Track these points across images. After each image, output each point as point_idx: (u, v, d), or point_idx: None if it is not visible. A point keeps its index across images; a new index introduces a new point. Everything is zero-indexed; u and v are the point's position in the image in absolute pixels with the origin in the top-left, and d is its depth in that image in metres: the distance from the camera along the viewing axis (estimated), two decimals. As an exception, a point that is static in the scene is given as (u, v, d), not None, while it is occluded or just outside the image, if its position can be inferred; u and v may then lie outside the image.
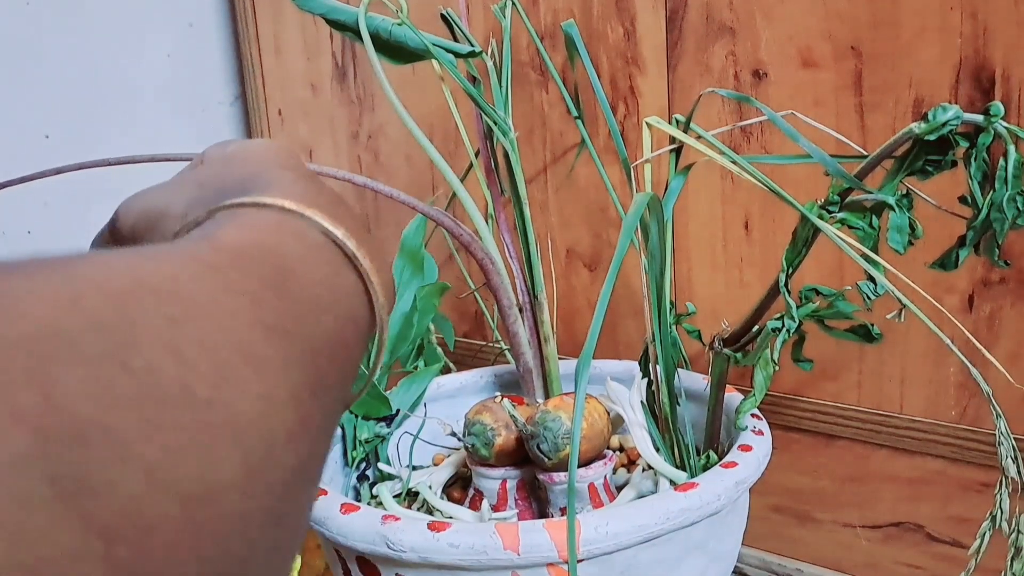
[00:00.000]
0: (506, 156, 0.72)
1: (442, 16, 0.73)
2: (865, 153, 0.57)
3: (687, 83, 0.83)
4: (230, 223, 0.26)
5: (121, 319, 0.18)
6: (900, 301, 0.53)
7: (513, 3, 0.76)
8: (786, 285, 0.58)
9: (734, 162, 0.58)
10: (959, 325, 0.58)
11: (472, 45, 0.71)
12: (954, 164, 0.51)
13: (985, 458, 0.74)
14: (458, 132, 0.79)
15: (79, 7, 1.14)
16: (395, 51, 0.68)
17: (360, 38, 0.65)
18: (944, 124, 0.48)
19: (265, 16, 1.18)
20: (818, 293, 0.59)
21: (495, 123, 0.71)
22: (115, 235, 0.33)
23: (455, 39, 0.72)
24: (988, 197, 0.49)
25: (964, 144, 0.50)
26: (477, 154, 0.77)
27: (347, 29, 0.67)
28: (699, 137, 0.63)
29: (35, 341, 0.16)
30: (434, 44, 0.68)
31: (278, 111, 1.20)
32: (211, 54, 1.25)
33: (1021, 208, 0.48)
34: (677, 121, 0.65)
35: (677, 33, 0.83)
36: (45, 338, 0.16)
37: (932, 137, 0.49)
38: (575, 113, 0.81)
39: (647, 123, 0.64)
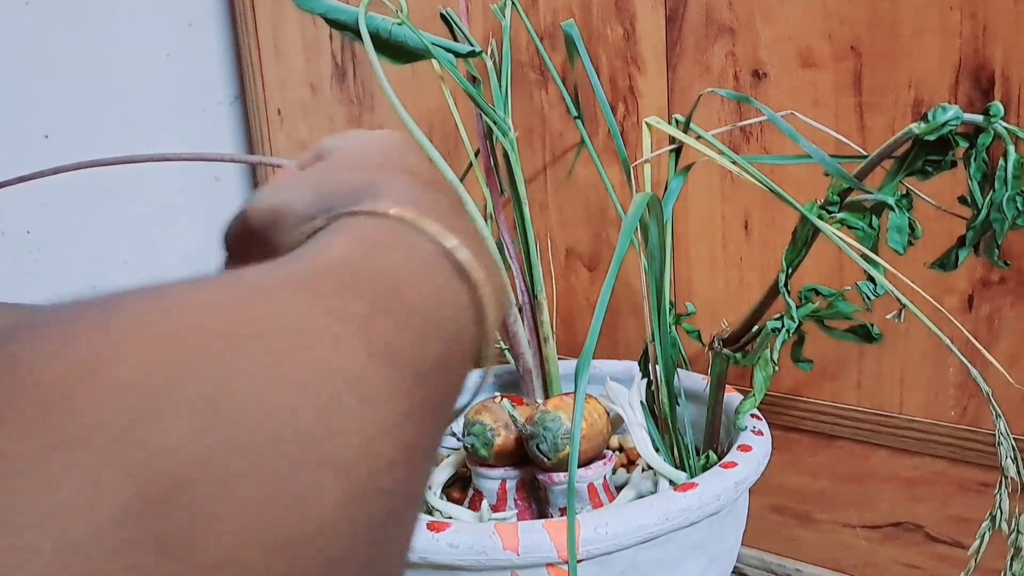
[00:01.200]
0: (505, 156, 0.72)
1: (442, 16, 0.73)
2: (865, 153, 0.57)
3: (687, 83, 0.83)
4: (342, 235, 0.26)
5: (221, 361, 0.18)
6: (900, 301, 0.53)
7: (513, 3, 0.76)
8: (786, 285, 0.58)
9: (734, 162, 0.58)
10: (959, 325, 0.58)
11: (472, 45, 0.71)
12: (954, 164, 0.51)
13: (984, 458, 0.74)
14: (458, 132, 0.79)
15: (78, 7, 1.14)
16: (395, 51, 0.68)
17: (360, 38, 0.65)
18: (944, 124, 0.48)
19: (265, 16, 1.18)
20: (818, 293, 0.59)
21: (495, 123, 0.71)
22: (245, 226, 0.33)
23: (455, 39, 0.72)
24: (988, 197, 0.49)
25: (964, 144, 0.50)
26: (477, 154, 0.77)
27: (347, 29, 0.67)
28: (699, 137, 0.63)
29: (139, 390, 0.16)
30: (434, 44, 0.68)
31: (277, 111, 1.20)
32: (210, 54, 1.25)
33: (1021, 208, 0.48)
34: (676, 121, 0.65)
35: (677, 33, 0.83)
36: (149, 387, 0.16)
37: (932, 137, 0.49)
38: (575, 113, 0.81)
39: (647, 123, 0.64)
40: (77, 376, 0.16)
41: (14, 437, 0.14)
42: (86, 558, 0.14)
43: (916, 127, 0.50)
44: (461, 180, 0.72)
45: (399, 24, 0.67)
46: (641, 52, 0.86)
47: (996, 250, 0.52)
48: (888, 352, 0.77)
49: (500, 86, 0.73)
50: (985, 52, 0.67)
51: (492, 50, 0.74)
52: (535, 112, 0.94)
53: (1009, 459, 0.52)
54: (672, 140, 0.66)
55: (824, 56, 0.75)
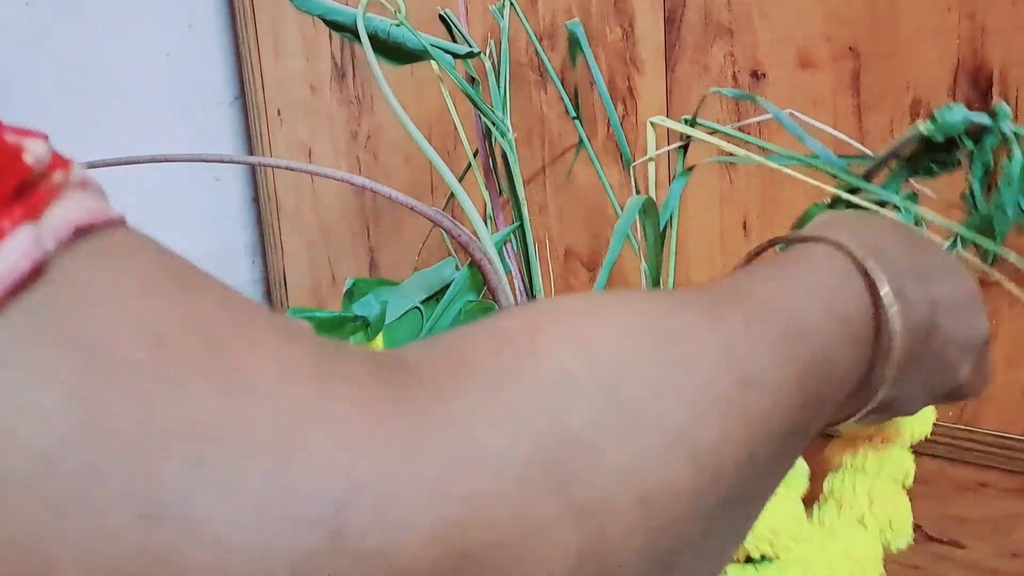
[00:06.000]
0: (504, 157, 0.72)
1: (440, 17, 0.73)
2: (869, 153, 0.58)
3: (685, 84, 0.84)
4: (781, 258, 0.32)
5: (620, 362, 0.23)
6: (900, 301, 0.53)
7: (512, 4, 0.76)
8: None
9: (750, 153, 0.58)
10: (958, 325, 0.58)
11: (470, 46, 0.71)
12: (959, 164, 0.51)
13: (982, 458, 0.75)
14: (456, 133, 0.79)
15: (79, 7, 1.14)
16: (393, 52, 0.68)
17: (358, 39, 0.65)
18: (953, 125, 0.49)
19: (264, 17, 1.18)
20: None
21: (493, 124, 0.71)
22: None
23: (453, 40, 0.72)
24: (989, 198, 0.50)
25: (969, 145, 0.50)
26: (475, 155, 0.77)
27: (345, 30, 0.67)
28: (714, 132, 0.63)
29: (558, 380, 0.22)
30: (432, 45, 0.68)
31: (277, 111, 1.20)
32: (210, 55, 1.25)
33: (1022, 208, 0.49)
34: (684, 120, 0.65)
35: (675, 34, 0.83)
36: (565, 377, 0.22)
37: (941, 138, 0.49)
38: (573, 114, 0.81)
39: (651, 122, 0.64)
40: (518, 366, 0.22)
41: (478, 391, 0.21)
42: (501, 480, 0.19)
43: (923, 126, 0.50)
44: (460, 181, 0.72)
45: (397, 25, 0.67)
46: (640, 53, 0.86)
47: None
48: (887, 352, 0.77)
49: (499, 87, 0.73)
50: (983, 53, 0.68)
51: (491, 51, 0.74)
52: (534, 113, 0.94)
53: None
54: (678, 138, 0.66)
55: (822, 57, 0.75)
